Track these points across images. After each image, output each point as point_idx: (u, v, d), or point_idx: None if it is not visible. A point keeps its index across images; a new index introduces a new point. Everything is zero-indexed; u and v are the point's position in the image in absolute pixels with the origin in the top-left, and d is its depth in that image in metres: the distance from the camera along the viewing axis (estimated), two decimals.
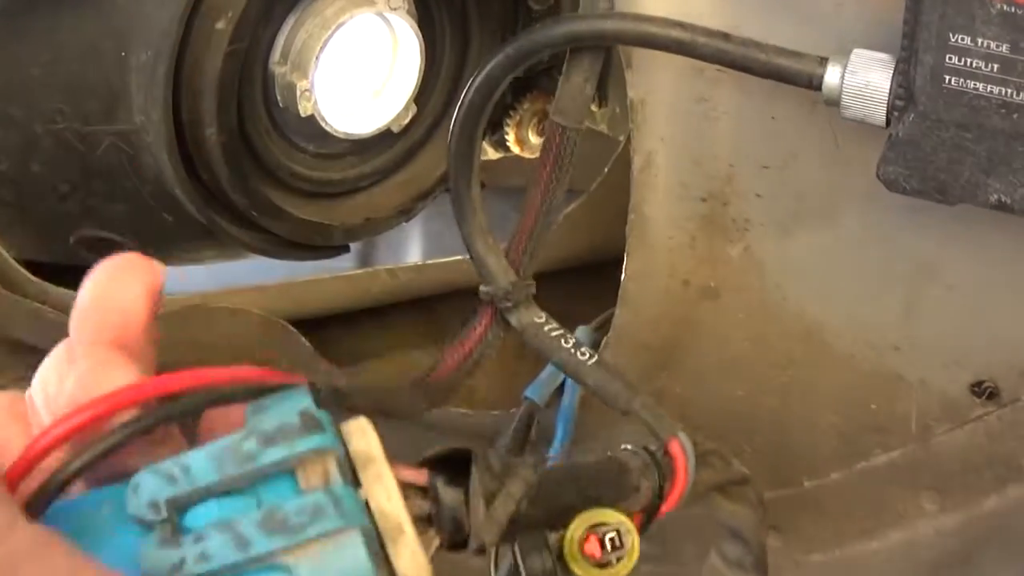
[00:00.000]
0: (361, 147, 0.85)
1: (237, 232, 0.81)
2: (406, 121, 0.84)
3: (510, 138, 0.95)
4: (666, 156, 0.76)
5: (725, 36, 0.67)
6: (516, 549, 0.53)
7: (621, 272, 0.81)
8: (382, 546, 0.45)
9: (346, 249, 0.88)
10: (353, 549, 0.43)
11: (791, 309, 0.79)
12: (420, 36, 0.81)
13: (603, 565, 0.56)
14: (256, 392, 0.47)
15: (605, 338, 0.85)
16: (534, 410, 0.87)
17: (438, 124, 0.88)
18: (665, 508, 0.62)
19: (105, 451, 0.45)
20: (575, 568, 0.56)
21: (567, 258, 1.11)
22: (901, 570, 0.88)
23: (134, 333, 0.49)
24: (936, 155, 0.63)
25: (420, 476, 0.50)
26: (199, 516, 0.44)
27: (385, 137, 0.85)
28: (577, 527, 0.55)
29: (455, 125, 0.74)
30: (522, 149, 0.95)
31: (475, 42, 0.87)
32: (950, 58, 0.60)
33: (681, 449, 0.64)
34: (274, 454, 0.44)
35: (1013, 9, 0.58)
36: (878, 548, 0.89)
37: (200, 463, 0.44)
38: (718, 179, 0.76)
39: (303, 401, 0.46)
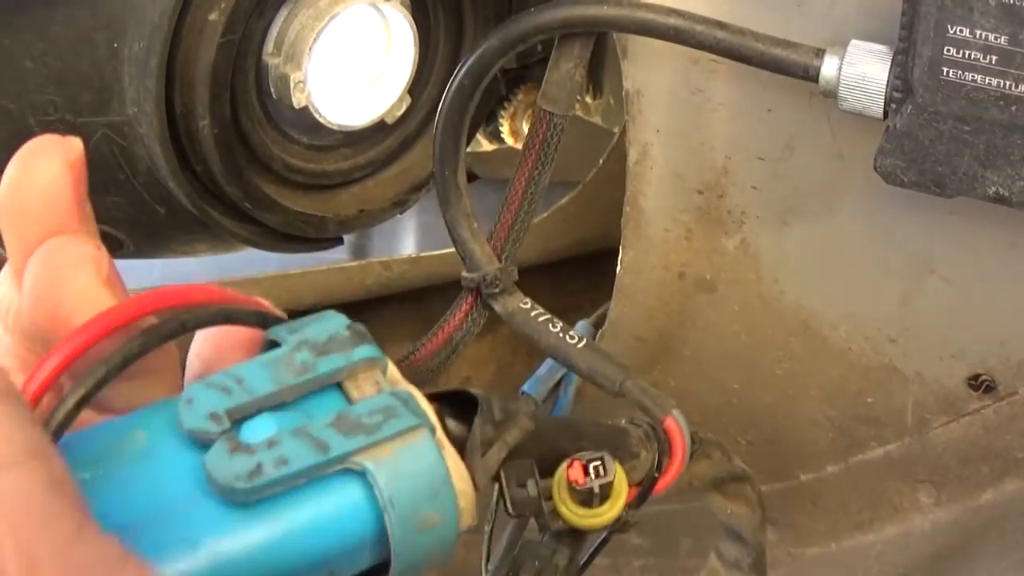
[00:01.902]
0: (355, 139, 0.85)
1: (230, 224, 0.80)
2: (400, 112, 0.83)
3: (504, 129, 0.94)
4: (662, 148, 0.76)
5: (721, 24, 0.67)
6: (503, 479, 0.53)
7: (617, 264, 0.81)
8: None
9: (340, 241, 0.87)
10: (426, 446, 0.43)
11: (787, 302, 0.79)
12: (414, 27, 0.81)
13: (587, 501, 0.56)
14: (268, 321, 0.45)
15: (600, 330, 0.85)
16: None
17: (432, 116, 0.87)
18: (662, 483, 0.62)
19: (132, 356, 0.41)
20: (561, 507, 0.56)
21: (561, 250, 1.10)
22: (897, 564, 0.88)
23: (66, 211, 0.46)
24: (934, 147, 0.63)
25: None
26: (254, 431, 0.42)
27: (379, 129, 0.84)
28: (566, 465, 0.56)
29: (443, 107, 0.73)
30: (516, 141, 0.94)
31: (469, 33, 0.86)
32: (948, 50, 0.60)
33: (677, 425, 0.65)
34: (330, 363, 0.44)
35: (1012, 0, 0.58)
36: (874, 541, 0.89)
37: (255, 374, 0.43)
38: (714, 171, 0.76)
39: (341, 319, 0.45)
